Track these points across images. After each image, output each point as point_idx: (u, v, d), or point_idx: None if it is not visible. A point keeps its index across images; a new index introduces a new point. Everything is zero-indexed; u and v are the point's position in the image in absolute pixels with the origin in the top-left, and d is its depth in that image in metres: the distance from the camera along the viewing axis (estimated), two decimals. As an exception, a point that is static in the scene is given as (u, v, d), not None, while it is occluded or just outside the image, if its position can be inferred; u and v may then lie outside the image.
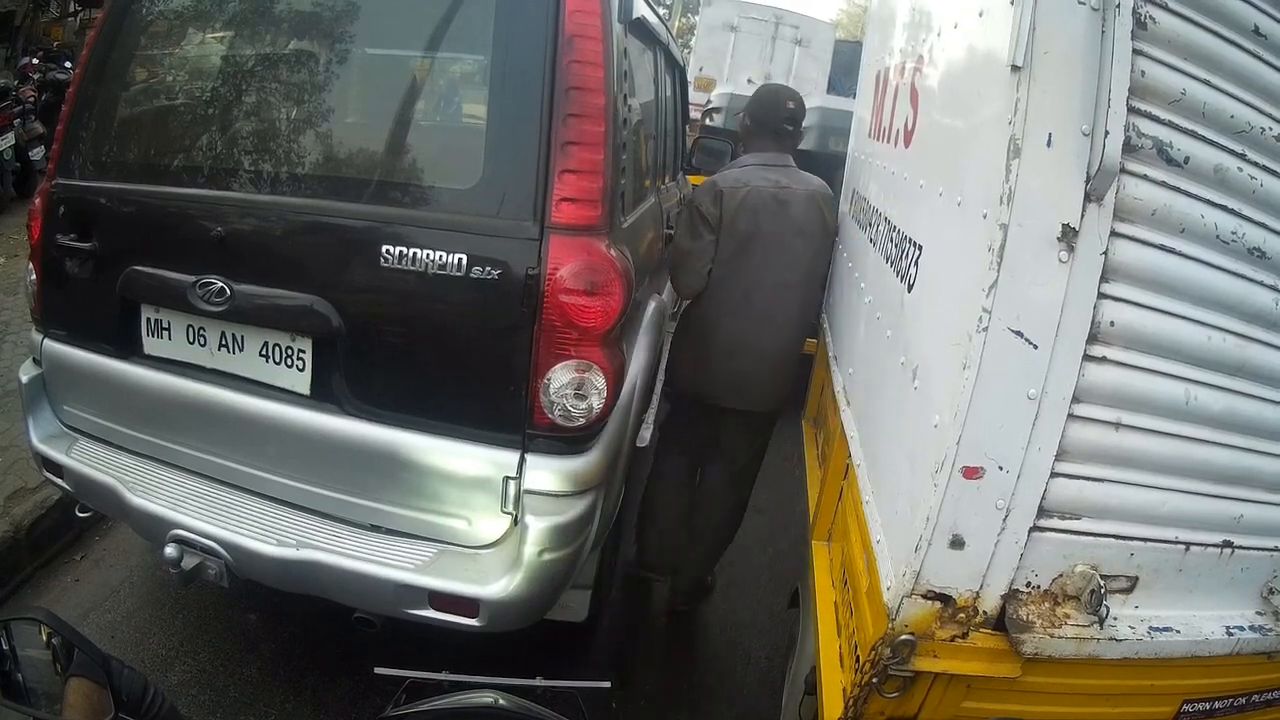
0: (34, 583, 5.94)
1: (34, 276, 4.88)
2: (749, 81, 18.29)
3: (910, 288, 3.63)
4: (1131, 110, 2.50)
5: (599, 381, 3.89)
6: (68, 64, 19.28)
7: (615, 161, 3.97)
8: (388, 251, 3.84)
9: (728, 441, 6.00)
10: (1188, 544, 2.89)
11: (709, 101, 15.72)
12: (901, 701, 3.05)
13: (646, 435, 5.46)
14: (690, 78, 23.33)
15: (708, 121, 14.46)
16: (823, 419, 5.93)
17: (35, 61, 19.33)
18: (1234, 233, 2.71)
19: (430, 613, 3.94)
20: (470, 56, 4.28)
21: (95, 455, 4.74)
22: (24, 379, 4.99)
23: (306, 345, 4.15)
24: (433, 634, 3.97)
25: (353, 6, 4.24)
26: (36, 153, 14.45)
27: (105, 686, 2.06)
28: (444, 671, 2.62)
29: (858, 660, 3.24)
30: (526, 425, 3.90)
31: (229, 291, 4.11)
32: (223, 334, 4.31)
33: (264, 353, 4.25)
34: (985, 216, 2.62)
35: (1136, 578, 2.89)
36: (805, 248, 5.52)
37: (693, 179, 9.21)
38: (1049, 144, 2.49)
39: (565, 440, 3.95)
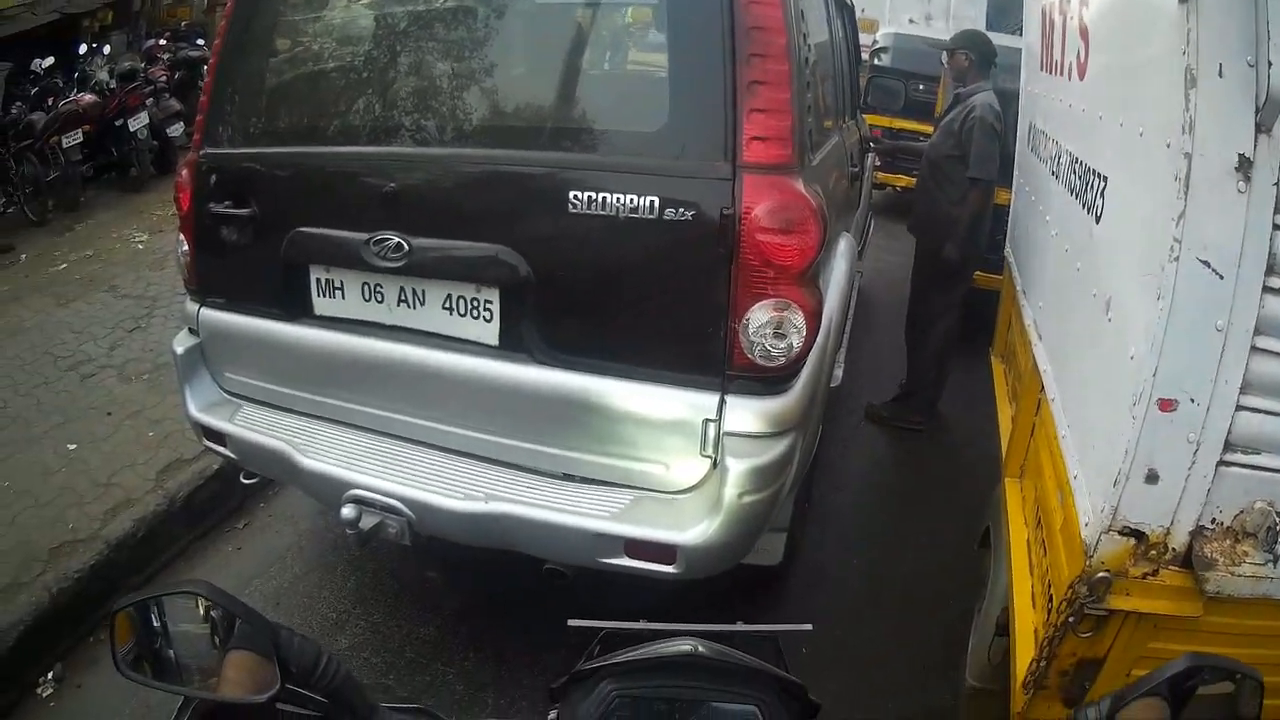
0: (189, 554, 6.19)
1: (186, 247, 5.06)
2: (910, 21, 18.18)
3: (1098, 219, 3.70)
4: (1292, 40, 2.55)
5: (798, 320, 3.90)
6: (199, 41, 19.97)
7: (801, 100, 4.02)
8: (575, 197, 3.90)
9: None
10: (1364, 483, 2.89)
11: (875, 42, 15.70)
12: (1094, 642, 3.12)
13: (839, 375, 5.64)
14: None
15: (876, 61, 14.54)
16: (1011, 354, 6.00)
17: (162, 43, 19.91)
18: None
19: (626, 561, 4.01)
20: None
21: (261, 420, 4.92)
22: (179, 350, 5.16)
23: (494, 295, 4.23)
24: (619, 585, 4.04)
25: None
26: (175, 129, 14.98)
27: (271, 657, 2.01)
28: (641, 621, 2.53)
29: (1050, 600, 3.32)
30: (726, 366, 3.93)
31: (407, 246, 4.21)
32: (401, 289, 4.43)
33: (447, 305, 4.34)
34: (1169, 146, 2.70)
35: (1314, 517, 2.90)
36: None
37: (869, 119, 9.45)
38: (1220, 74, 2.56)
39: (765, 380, 3.99)
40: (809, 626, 2.63)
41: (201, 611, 2.15)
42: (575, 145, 4.17)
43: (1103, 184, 3.68)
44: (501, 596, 5.45)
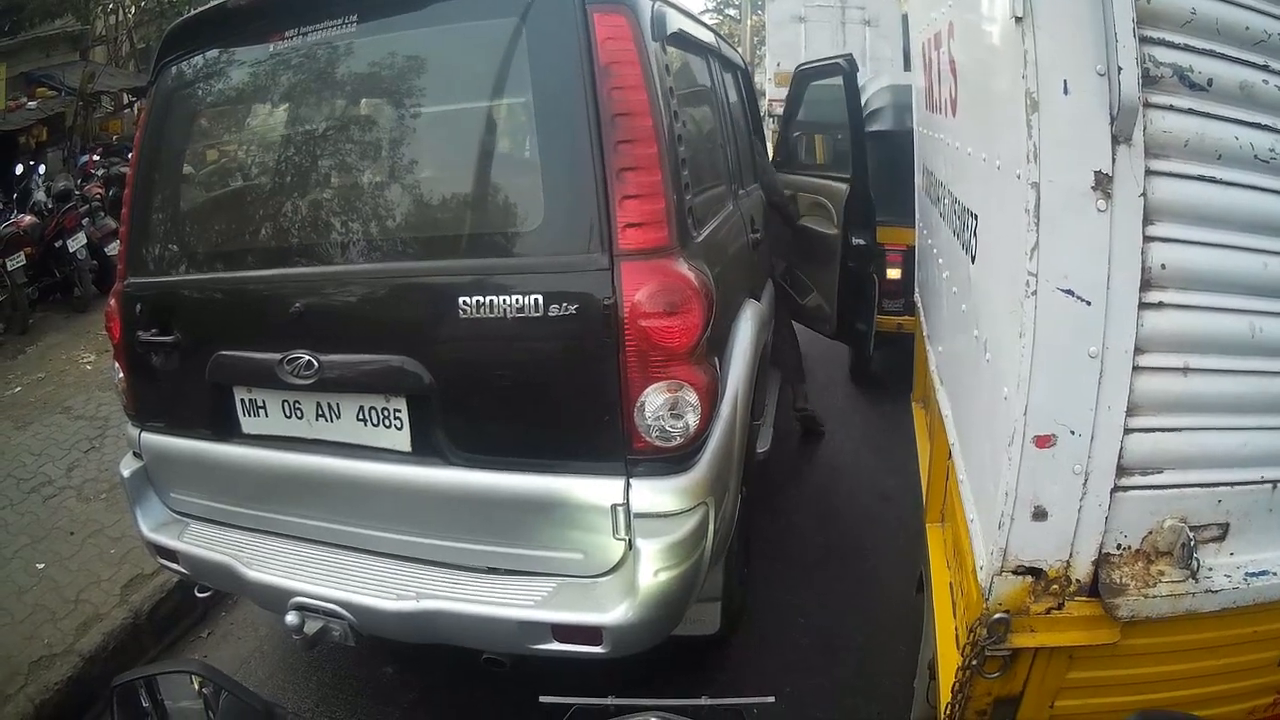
0: (160, 661, 6.00)
1: (121, 375, 5.06)
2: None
3: (973, 259, 3.61)
4: (1144, 40, 2.46)
5: (692, 398, 3.88)
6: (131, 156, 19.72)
7: (675, 180, 3.99)
8: (465, 303, 3.89)
9: None
10: (1275, 482, 2.80)
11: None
12: (1005, 681, 3.02)
13: (767, 440, 5.68)
14: (770, 74, 23.05)
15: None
16: (929, 399, 5.91)
17: (96, 158, 19.92)
18: (1272, 149, 2.62)
19: (555, 645, 3.95)
20: (514, 100, 4.24)
21: (207, 536, 4.87)
22: (125, 473, 5.15)
23: (401, 404, 4.22)
24: (595, 662, 4.00)
25: (393, 71, 4.31)
26: (113, 248, 14.37)
27: None
28: (610, 696, 2.64)
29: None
30: (627, 451, 3.90)
31: (316, 364, 4.20)
32: (318, 404, 4.41)
33: (361, 417, 4.33)
34: (1019, 177, 2.58)
35: (1227, 524, 2.81)
36: None
37: None
38: (1066, 91, 2.45)
39: (667, 460, 3.94)
40: (771, 699, 2.67)
41: (196, 688, 2.32)
42: (462, 252, 4.14)
43: (974, 222, 3.60)
44: (456, 683, 5.39)
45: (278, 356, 4.27)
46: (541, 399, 4.00)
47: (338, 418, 4.39)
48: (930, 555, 4.50)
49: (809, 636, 5.80)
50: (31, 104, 23.35)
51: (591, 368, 3.86)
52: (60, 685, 5.56)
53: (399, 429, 4.26)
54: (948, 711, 3.21)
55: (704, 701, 2.61)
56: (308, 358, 4.20)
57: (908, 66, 14.95)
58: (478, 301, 3.87)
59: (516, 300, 3.81)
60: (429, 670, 5.54)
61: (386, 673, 5.64)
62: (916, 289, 6.80)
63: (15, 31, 25.50)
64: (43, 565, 6.88)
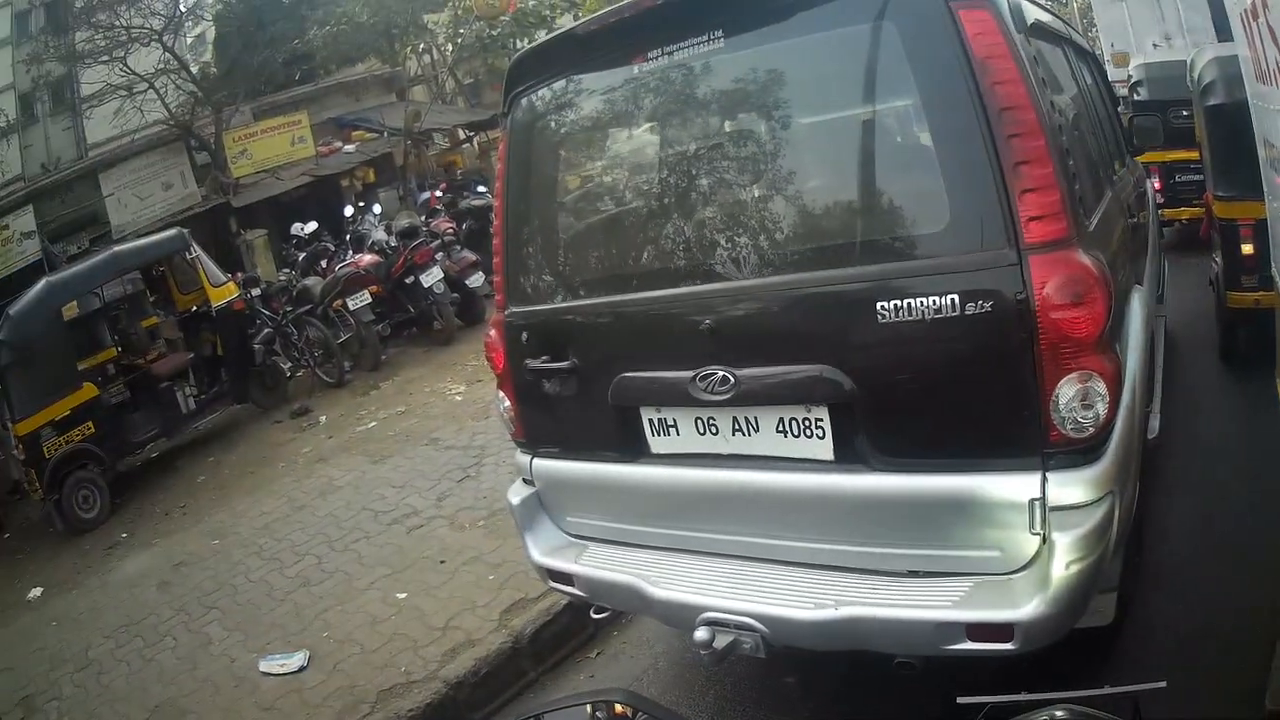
0: (539, 684, 6.30)
1: (508, 403, 5.24)
2: (1154, 46, 17.87)
3: None
4: None
5: (1100, 388, 3.78)
6: (480, 188, 20.53)
7: (1064, 170, 3.89)
8: (883, 308, 3.88)
9: None
10: None
11: (1130, 76, 15.02)
12: None
13: (1155, 425, 5.47)
14: (1107, 56, 22.55)
15: (1135, 97, 13.77)
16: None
17: (439, 194, 20.74)
18: None
19: (967, 645, 3.91)
20: (899, 103, 4.24)
21: (608, 557, 5.00)
22: (515, 501, 5.32)
23: (823, 413, 4.23)
24: (994, 660, 3.99)
25: (765, 83, 4.38)
26: (475, 280, 15.27)
27: None
28: (1022, 692, 2.62)
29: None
30: (1043, 445, 3.81)
31: (733, 379, 4.26)
32: (734, 419, 4.46)
33: (780, 429, 4.36)
34: None
35: None
36: None
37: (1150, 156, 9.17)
38: None
39: (1079, 451, 3.83)
40: (1163, 684, 2.63)
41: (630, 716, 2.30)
42: (872, 257, 4.10)
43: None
44: (855, 689, 5.36)
45: (689, 374, 4.36)
46: (960, 398, 3.99)
47: (756, 431, 4.43)
48: None
49: (1185, 623, 5.55)
50: (349, 147, 24.33)
51: (1007, 363, 3.83)
52: (415, 712, 5.84)
53: (821, 438, 4.28)
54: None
55: (1106, 691, 2.60)
56: (723, 373, 4.27)
57: (1219, 34, 14.48)
58: (895, 305, 3.86)
59: (934, 301, 3.80)
60: (828, 677, 5.47)
61: (788, 683, 5.60)
62: (1273, 263, 6.66)
63: (310, 78, 26.67)
64: (404, 595, 7.14)
